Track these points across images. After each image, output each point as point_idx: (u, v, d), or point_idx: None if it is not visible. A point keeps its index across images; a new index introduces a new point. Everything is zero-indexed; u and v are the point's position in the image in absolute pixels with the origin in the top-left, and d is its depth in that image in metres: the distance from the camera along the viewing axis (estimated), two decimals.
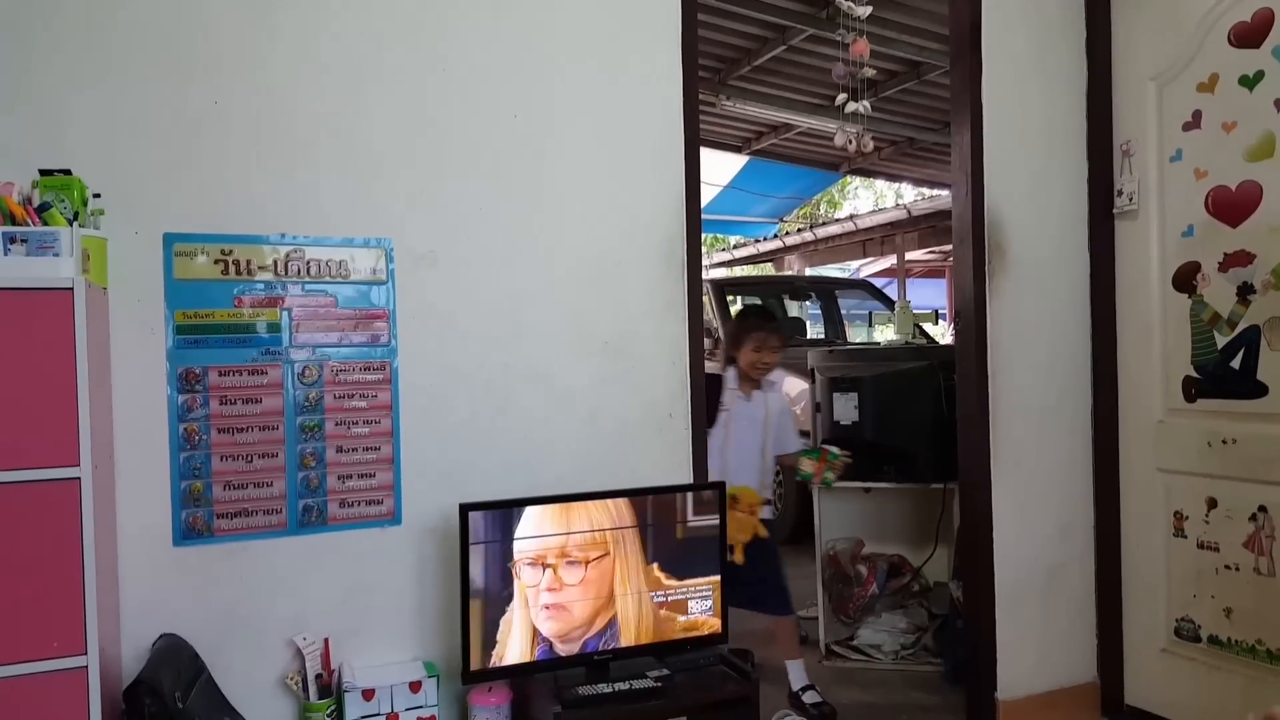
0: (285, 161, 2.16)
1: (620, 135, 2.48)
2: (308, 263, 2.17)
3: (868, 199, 14.87)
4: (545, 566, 2.19)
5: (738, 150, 8.52)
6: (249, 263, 2.12)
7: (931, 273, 12.58)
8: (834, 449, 3.11)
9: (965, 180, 2.88)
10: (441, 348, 2.29)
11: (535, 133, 2.38)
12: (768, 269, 11.83)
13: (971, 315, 2.87)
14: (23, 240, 1.66)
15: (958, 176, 2.93)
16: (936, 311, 4.72)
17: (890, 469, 3.55)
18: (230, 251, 2.11)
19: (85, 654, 1.66)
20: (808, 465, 3.11)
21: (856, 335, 7.33)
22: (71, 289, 1.65)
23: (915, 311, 4.45)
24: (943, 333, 6.88)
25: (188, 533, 2.07)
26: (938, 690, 3.24)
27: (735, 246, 12.00)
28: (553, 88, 2.41)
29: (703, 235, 2.87)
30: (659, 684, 2.20)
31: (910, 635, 3.59)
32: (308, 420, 2.17)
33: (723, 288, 6.38)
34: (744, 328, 3.23)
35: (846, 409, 3.63)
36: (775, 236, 10.87)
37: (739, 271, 12.00)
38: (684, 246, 2.54)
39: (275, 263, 2.14)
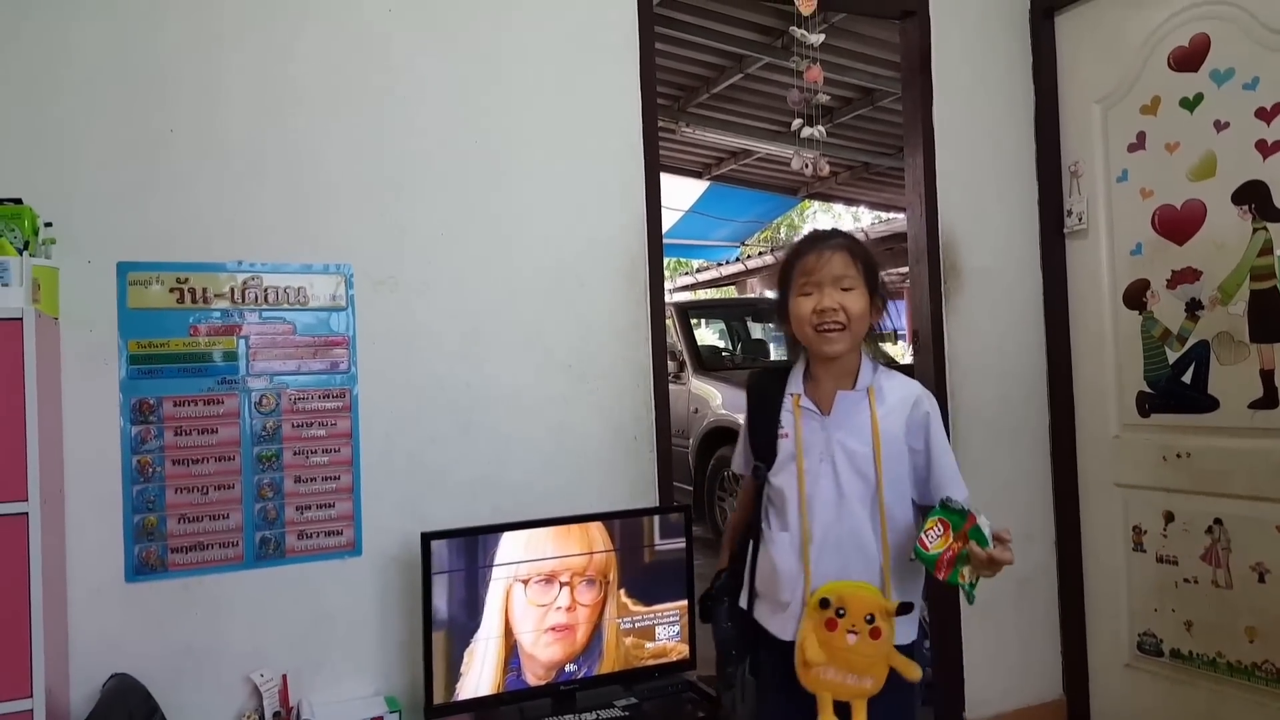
0: (241, 189, 2.13)
1: (581, 160, 2.49)
2: (265, 290, 2.14)
3: (826, 222, 15.08)
4: (561, 584, 2.17)
5: (699, 175, 8.60)
6: (205, 291, 2.09)
7: (891, 295, 12.75)
8: (983, 521, 1.53)
9: (919, 202, 2.93)
10: (402, 373, 2.27)
11: (495, 158, 2.38)
12: (730, 292, 11.92)
13: (929, 334, 2.91)
14: None
15: (912, 199, 2.98)
16: (895, 331, 4.76)
17: None
18: (186, 280, 2.07)
19: (31, 697, 1.60)
20: (940, 543, 1.54)
21: None
22: (21, 319, 1.62)
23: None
24: (902, 352, 6.97)
25: (140, 568, 2.02)
26: None
27: (698, 270, 12.10)
28: (511, 113, 2.41)
29: (665, 259, 2.87)
30: (626, 713, 2.18)
31: None
32: (265, 450, 2.13)
33: (686, 310, 6.42)
34: (787, 260, 1.74)
35: None
36: (737, 260, 10.97)
37: (702, 295, 12.08)
38: (646, 268, 2.55)
39: (232, 290, 2.11)
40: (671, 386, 2.63)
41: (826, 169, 2.80)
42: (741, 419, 5.60)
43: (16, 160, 1.95)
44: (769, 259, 10.12)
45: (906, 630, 1.66)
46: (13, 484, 1.60)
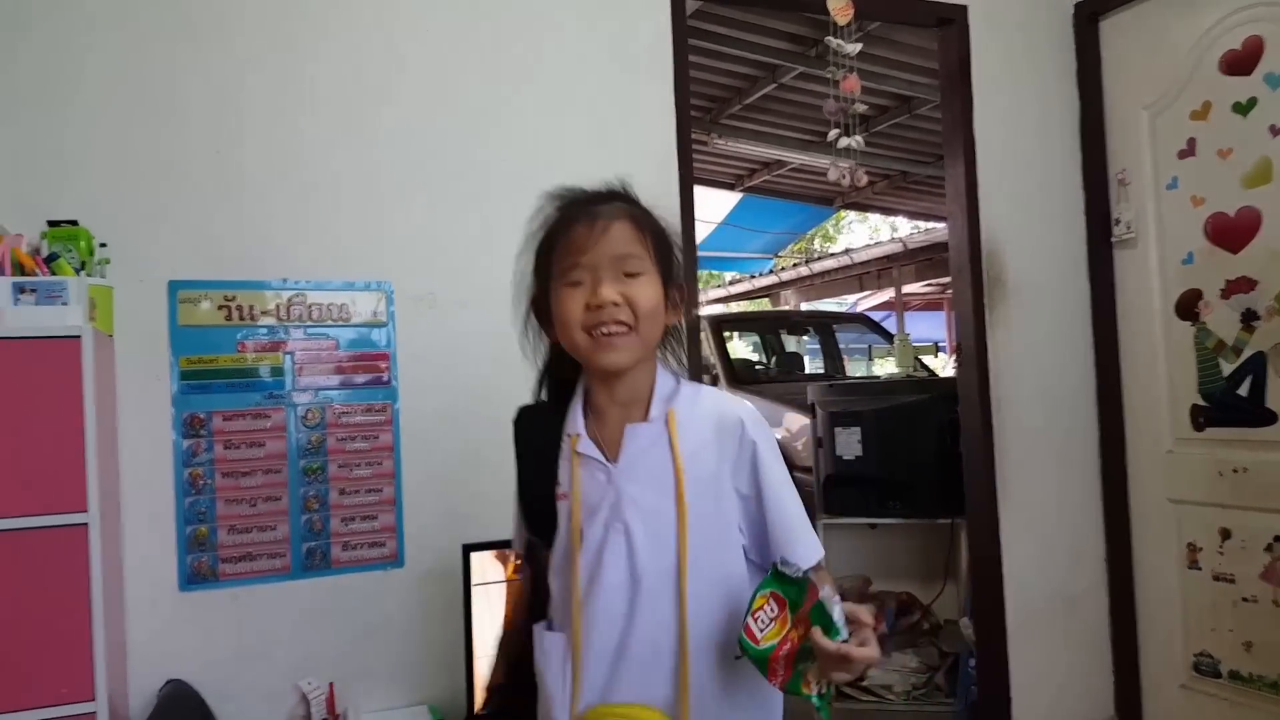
0: (286, 207, 2.17)
1: (616, 176, 2.49)
2: (309, 307, 2.18)
3: (863, 233, 14.98)
4: None
5: (731, 187, 8.59)
6: (252, 308, 2.12)
7: (929, 305, 12.62)
8: (827, 594, 1.05)
9: (961, 212, 2.90)
10: (442, 387, 2.28)
11: (530, 175, 2.39)
12: (764, 305, 11.88)
13: (972, 346, 2.87)
14: (32, 290, 1.67)
15: (953, 209, 2.95)
16: (936, 344, 4.73)
17: (896, 504, 3.53)
18: (233, 297, 2.11)
19: (94, 700, 1.64)
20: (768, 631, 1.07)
21: (855, 369, 7.33)
22: (79, 337, 1.66)
23: (915, 344, 4.45)
24: (943, 365, 6.90)
25: (193, 577, 2.05)
26: None
27: (731, 283, 12.06)
28: (546, 130, 2.42)
29: (699, 271, 2.86)
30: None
31: (921, 675, 3.53)
32: (311, 463, 2.16)
33: (719, 323, 6.40)
34: (545, 235, 1.24)
35: (849, 444, 3.61)
36: (771, 272, 10.93)
37: (735, 308, 12.05)
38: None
39: (278, 307, 2.15)
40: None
41: (864, 179, 2.78)
42: (778, 433, 5.53)
43: (73, 182, 1.99)
44: (803, 270, 10.07)
45: None
46: (73, 496, 1.64)
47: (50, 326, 1.66)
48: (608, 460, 1.18)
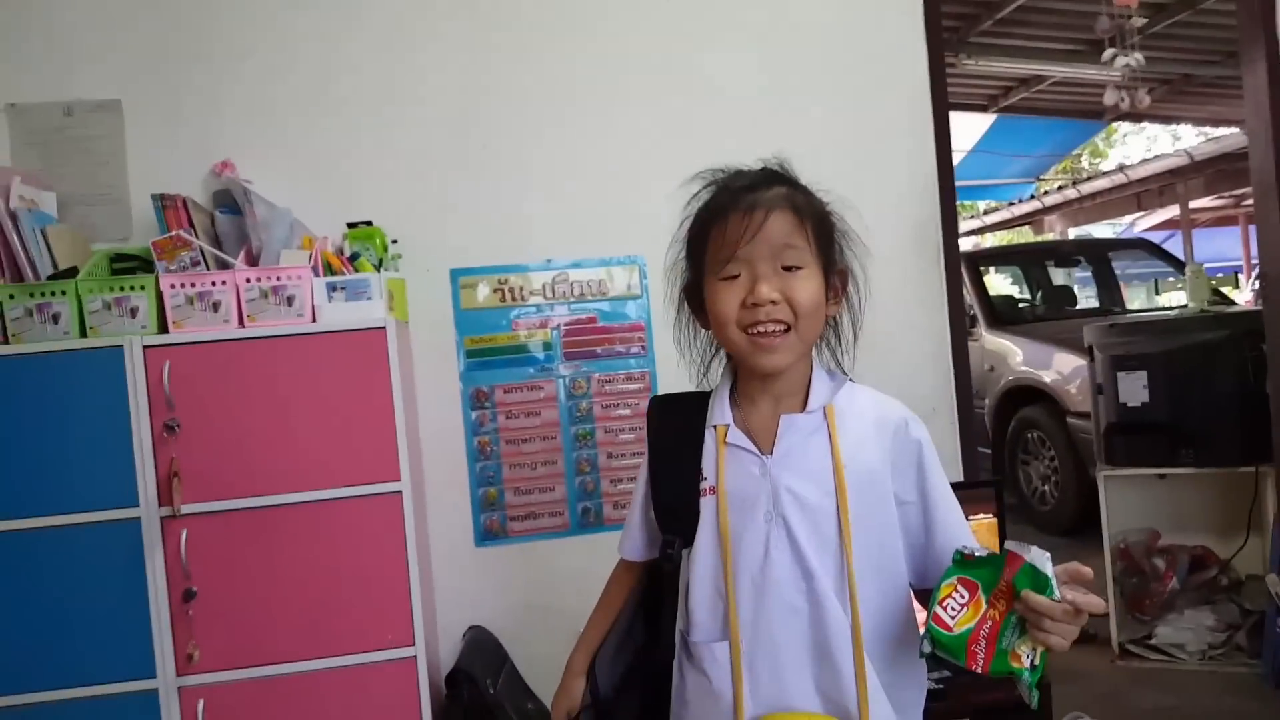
0: (547, 193, 2.33)
1: (863, 115, 2.44)
2: (571, 284, 2.33)
3: (1138, 146, 13.38)
4: None
5: (983, 109, 7.99)
6: (522, 289, 2.31)
7: (1221, 221, 11.09)
8: (1035, 555, 0.95)
9: (1262, 120, 2.54)
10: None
11: (775, 126, 2.39)
12: (1024, 234, 11.00)
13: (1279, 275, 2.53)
14: (341, 288, 1.91)
15: (1251, 115, 2.58)
16: (1236, 275, 4.18)
17: (1189, 452, 3.21)
18: (506, 280, 2.31)
19: (414, 645, 1.89)
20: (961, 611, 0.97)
21: (1135, 300, 6.62)
22: (384, 328, 1.88)
23: (1210, 274, 3.96)
24: (1244, 295, 6.07)
25: (486, 534, 2.30)
26: (1255, 695, 2.89)
27: (985, 213, 11.25)
28: (791, 75, 2.40)
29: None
30: (940, 685, 2.14)
31: (1219, 634, 3.23)
32: (580, 429, 2.33)
33: (975, 260, 6.00)
34: (696, 222, 1.17)
35: (1134, 389, 3.31)
36: (1032, 198, 10.06)
37: (990, 240, 11.26)
38: (939, 229, 2.44)
39: (544, 287, 2.32)
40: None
41: (1147, 101, 2.51)
42: (1047, 375, 5.17)
43: (367, 187, 2.25)
44: (1070, 192, 9.18)
45: None
46: (388, 468, 1.89)
47: (359, 320, 1.89)
48: (761, 452, 1.11)
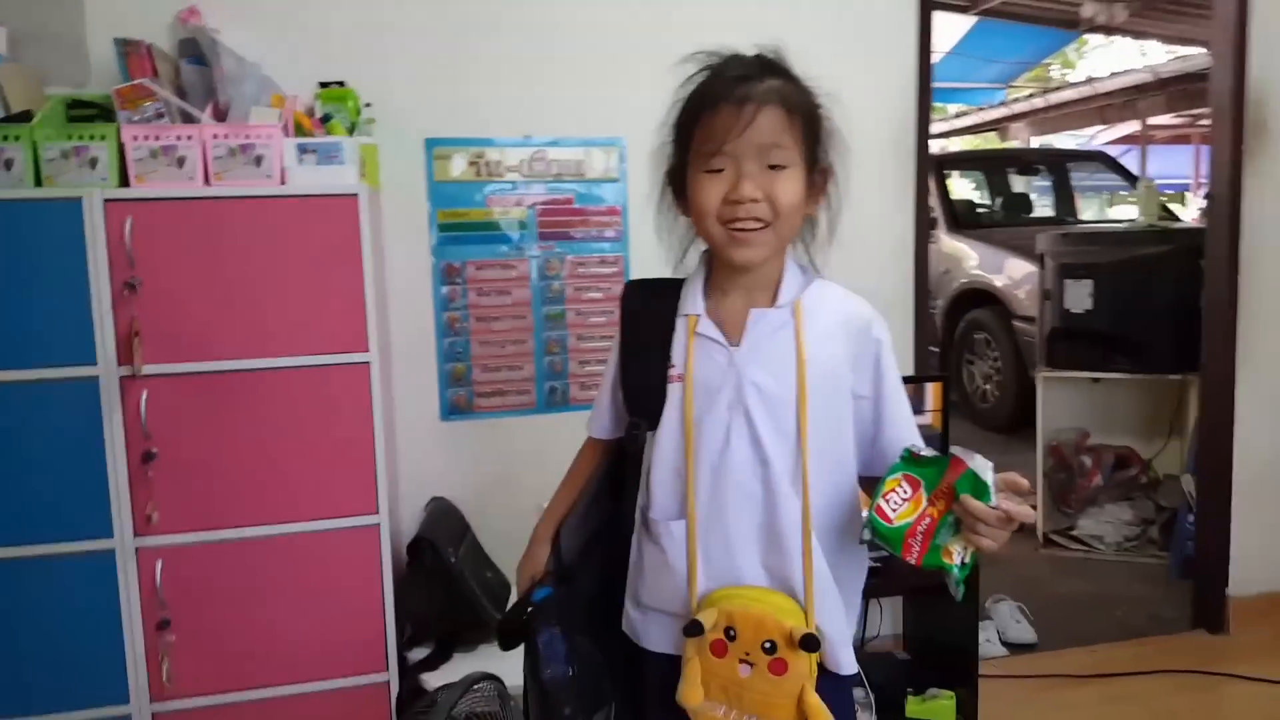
0: (529, 66, 2.25)
1: (847, 6, 2.40)
2: (549, 163, 2.29)
3: (1106, 59, 13.30)
4: None
5: (964, 11, 7.82)
6: (498, 164, 2.26)
7: (1176, 139, 11.20)
8: (979, 463, 1.01)
9: (1227, 43, 2.57)
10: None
11: (760, 13, 2.33)
12: (990, 140, 10.98)
13: (1225, 198, 2.62)
14: (312, 151, 1.84)
15: (1218, 38, 2.61)
16: (1184, 193, 4.28)
17: (1122, 359, 3.38)
18: (482, 154, 2.25)
19: (378, 514, 1.92)
20: (906, 507, 1.04)
21: (1089, 212, 6.74)
22: (356, 195, 1.84)
23: (1160, 191, 4.05)
24: (1190, 213, 6.22)
25: (452, 409, 2.32)
26: (1163, 583, 3.15)
27: (955, 116, 11.17)
28: None
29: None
30: (878, 564, 2.26)
31: (1135, 527, 3.48)
32: (551, 310, 2.33)
33: (940, 162, 6.02)
34: (685, 109, 1.15)
35: (1079, 297, 3.44)
36: (1000, 104, 10.01)
37: (957, 145, 11.23)
38: (914, 126, 2.44)
39: (521, 163, 2.27)
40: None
41: (1124, 15, 2.50)
42: (998, 280, 5.31)
43: (341, 45, 2.15)
44: (1038, 101, 9.16)
45: (842, 657, 1.15)
46: (356, 338, 1.87)
47: (330, 184, 1.83)
48: (729, 343, 1.15)
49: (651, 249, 2.34)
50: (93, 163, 1.74)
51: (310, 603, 1.90)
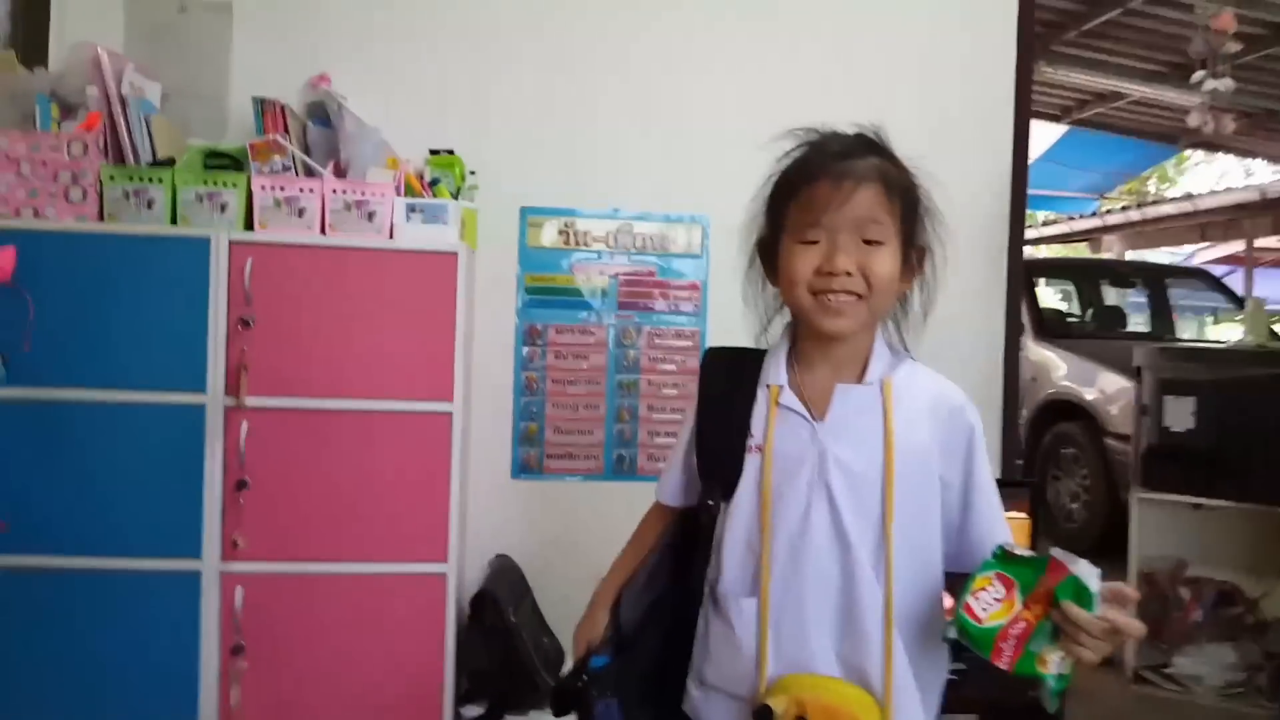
0: (620, 144, 2.38)
1: (945, 101, 2.45)
2: (634, 235, 2.38)
3: (1208, 176, 13.07)
4: None
5: (1056, 119, 7.85)
6: (586, 234, 2.37)
7: None
8: (1084, 569, 0.97)
9: None
10: (745, 318, 2.40)
11: (851, 102, 2.40)
12: (1080, 252, 10.82)
13: None
14: (420, 210, 1.98)
15: None
16: None
17: (1228, 485, 3.20)
18: (571, 223, 2.36)
19: (447, 562, 1.97)
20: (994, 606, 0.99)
21: (1186, 331, 6.55)
22: (456, 253, 1.95)
23: (1270, 310, 3.91)
24: None
25: (523, 468, 2.37)
26: None
27: (1044, 224, 11.07)
28: (875, 52, 2.42)
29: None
30: (954, 676, 2.18)
31: (1239, 672, 3.23)
32: (625, 379, 2.39)
33: (1028, 268, 5.91)
34: (783, 180, 1.15)
35: (1180, 414, 3.29)
36: (1093, 214, 9.88)
37: (1045, 254, 11.09)
38: (1006, 229, 2.46)
39: (608, 235, 2.37)
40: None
41: (1232, 127, 2.49)
42: (1089, 393, 5.11)
43: (452, 116, 2.31)
44: (1133, 214, 9.01)
45: None
46: (442, 388, 1.96)
47: (434, 242, 1.96)
48: (813, 417, 1.11)
49: (729, 326, 2.41)
50: (223, 207, 1.90)
51: (376, 644, 1.94)
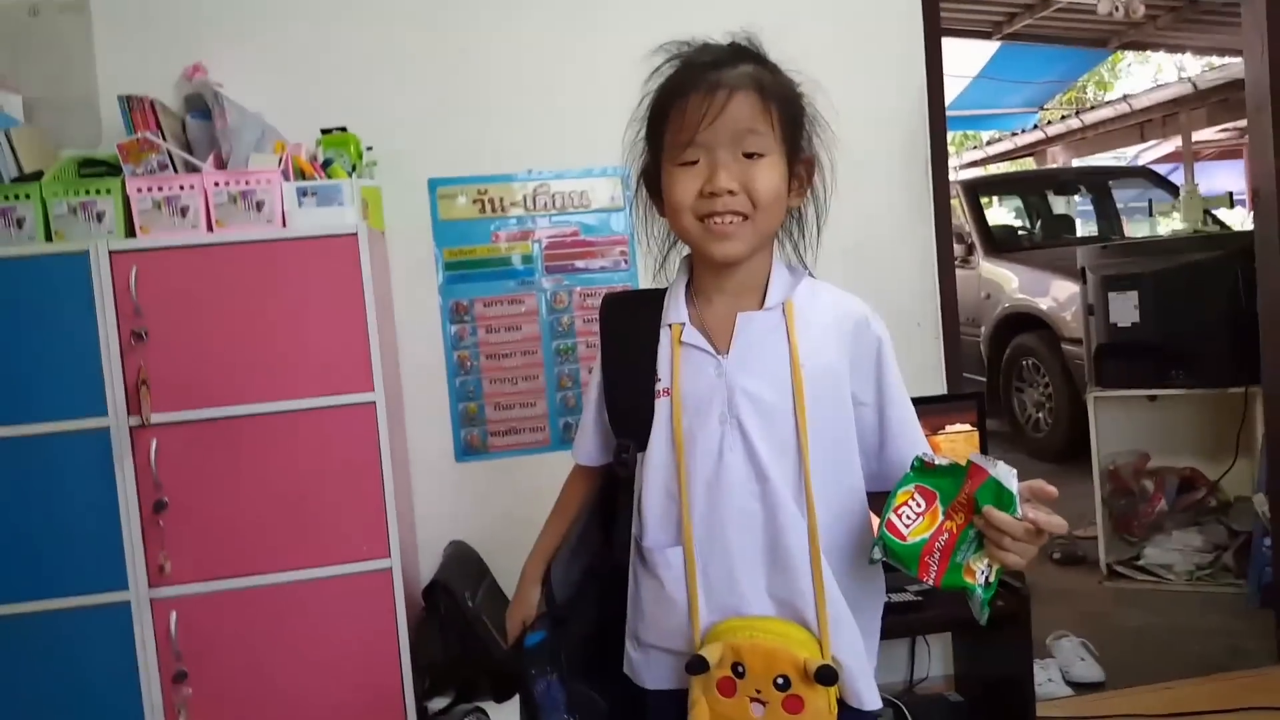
0: (527, 102, 2.26)
1: (854, 27, 2.37)
2: (553, 196, 2.28)
3: (1143, 76, 13.10)
4: None
5: (987, 36, 7.78)
6: (502, 200, 2.26)
7: (1225, 154, 10.95)
8: (1001, 471, 0.92)
9: (1259, 41, 2.50)
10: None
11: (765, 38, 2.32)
12: (1027, 165, 10.84)
13: (1273, 193, 2.50)
14: (313, 194, 1.86)
15: (1250, 38, 2.54)
16: (1231, 195, 4.13)
17: (1179, 373, 3.22)
18: (485, 191, 2.26)
19: (390, 557, 1.88)
20: (912, 517, 0.96)
21: (1137, 231, 6.58)
22: (356, 234, 1.84)
23: (1205, 196, 3.91)
24: (1241, 220, 6.01)
25: (467, 449, 2.29)
26: (1241, 614, 2.94)
27: (989, 143, 11.07)
28: None
29: (950, 133, 2.67)
30: (920, 597, 2.16)
31: (1207, 554, 3.28)
32: (562, 344, 2.30)
33: (974, 187, 5.92)
34: (656, 101, 1.09)
35: (1124, 309, 3.30)
36: (1035, 128, 9.88)
37: (994, 170, 11.10)
38: (928, 144, 2.39)
39: (525, 198, 2.27)
40: (960, 272, 2.49)
41: (1141, 9, 2.44)
42: (1044, 303, 5.15)
43: (341, 93, 2.18)
44: (1073, 122, 9.01)
45: (863, 690, 1.04)
46: (361, 378, 1.86)
47: (331, 226, 1.84)
48: (717, 351, 1.07)
49: (662, 277, 2.33)
50: (100, 216, 1.78)
51: (327, 651, 1.86)
